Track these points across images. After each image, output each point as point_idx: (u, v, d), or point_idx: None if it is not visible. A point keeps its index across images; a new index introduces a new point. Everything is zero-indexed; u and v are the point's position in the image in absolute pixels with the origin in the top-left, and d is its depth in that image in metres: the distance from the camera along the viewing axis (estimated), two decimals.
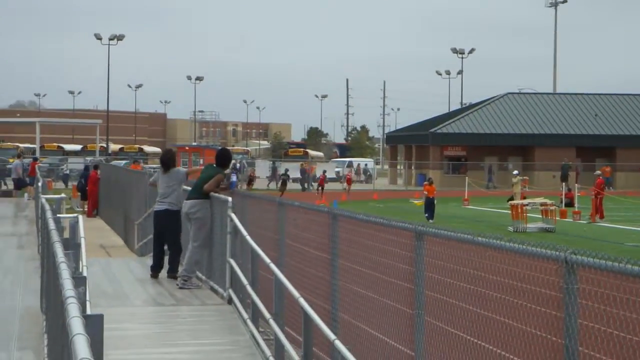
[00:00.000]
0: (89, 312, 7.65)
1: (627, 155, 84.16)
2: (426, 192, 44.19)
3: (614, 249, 29.33)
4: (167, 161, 17.13)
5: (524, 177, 58.08)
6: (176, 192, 16.81)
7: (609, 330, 6.10)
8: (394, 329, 9.02)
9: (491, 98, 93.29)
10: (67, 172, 75.55)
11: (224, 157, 16.62)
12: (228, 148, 24.19)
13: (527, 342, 7.04)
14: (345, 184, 72.99)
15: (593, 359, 6.18)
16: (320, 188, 65.48)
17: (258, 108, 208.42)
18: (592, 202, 43.68)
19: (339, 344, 8.32)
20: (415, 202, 55.26)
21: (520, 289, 7.22)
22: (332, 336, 8.59)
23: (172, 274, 16.73)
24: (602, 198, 43.73)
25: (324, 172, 72.49)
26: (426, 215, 42.78)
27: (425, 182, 46.31)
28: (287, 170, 76.75)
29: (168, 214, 16.75)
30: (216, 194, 15.78)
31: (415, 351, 8.40)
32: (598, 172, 53.12)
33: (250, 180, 69.88)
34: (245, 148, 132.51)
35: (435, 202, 44.00)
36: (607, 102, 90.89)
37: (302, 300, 9.59)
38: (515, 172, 54.40)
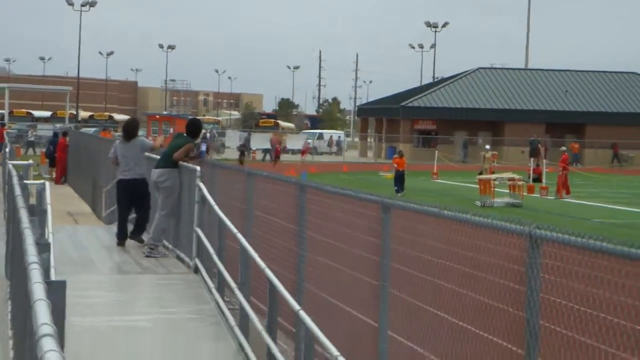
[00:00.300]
0: (53, 278, 7.62)
1: (596, 132, 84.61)
2: (396, 165, 44.26)
3: (580, 224, 29.54)
4: (131, 130, 17.11)
5: (494, 152, 58.27)
6: (141, 161, 16.80)
7: (569, 304, 6.15)
8: (358, 301, 9.06)
9: (463, 72, 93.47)
10: (32, 138, 74.99)
11: (194, 127, 16.60)
12: (199, 118, 24.22)
13: (490, 315, 7.09)
14: (300, 155, 72.32)
15: (553, 332, 6.23)
16: (275, 158, 66.69)
17: (230, 78, 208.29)
18: (558, 178, 43.94)
19: (303, 314, 8.35)
20: (386, 174, 55.38)
21: (484, 262, 7.27)
22: (296, 306, 8.62)
23: (135, 236, 16.79)
24: (567, 174, 44.06)
25: (279, 142, 72.85)
26: (396, 188, 42.86)
27: (396, 155, 46.38)
28: (247, 140, 76.19)
29: (135, 183, 16.77)
30: (185, 163, 15.76)
31: (379, 322, 8.44)
32: (563, 148, 53.49)
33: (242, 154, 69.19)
34: (216, 118, 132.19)
35: (405, 175, 44.08)
36: (578, 79, 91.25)
37: (267, 271, 9.61)
38: (487, 147, 54.50)
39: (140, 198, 16.84)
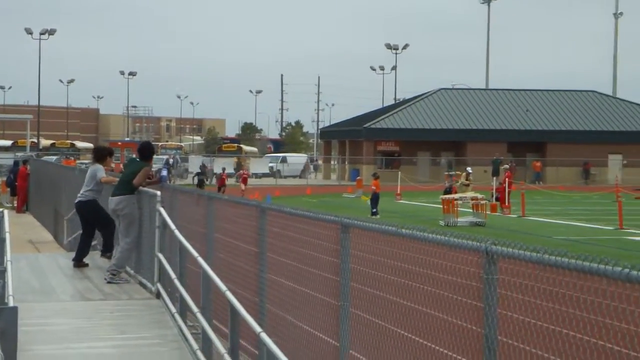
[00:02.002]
0: (11, 304, 7.58)
1: (557, 150, 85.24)
2: (374, 187, 44.07)
3: (542, 242, 29.69)
4: (96, 154, 17.62)
5: (457, 172, 58.44)
6: (89, 183, 17.20)
7: (527, 319, 6.19)
8: (320, 321, 9.06)
9: (424, 93, 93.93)
10: None
11: (146, 150, 16.63)
12: (149, 140, 24.63)
13: (449, 332, 7.12)
14: (241, 184, 63.79)
15: (511, 347, 6.26)
16: (222, 188, 57.54)
17: (192, 103, 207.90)
18: (521, 196, 44.23)
19: (264, 336, 8.34)
20: (364, 197, 55.29)
21: (443, 280, 7.30)
22: (258, 329, 8.61)
23: (106, 254, 17.20)
24: (510, 191, 45.60)
25: (224, 169, 65.65)
26: (374, 210, 42.64)
27: (371, 177, 46.51)
28: (202, 167, 75.26)
29: (81, 205, 17.33)
30: (145, 188, 15.73)
31: (340, 342, 8.45)
32: (506, 166, 54.37)
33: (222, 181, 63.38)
34: (178, 143, 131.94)
35: (379, 196, 43.97)
36: (538, 98, 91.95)
37: (228, 294, 9.60)
38: (469, 169, 53.71)
39: (93, 218, 17.09)
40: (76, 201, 17.56)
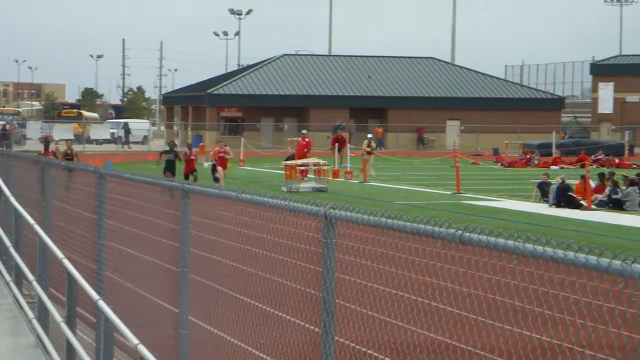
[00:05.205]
0: None
1: (399, 116, 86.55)
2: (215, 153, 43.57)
3: (382, 207, 30.16)
4: None
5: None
6: None
7: (364, 282, 6.27)
8: (159, 287, 8.99)
9: (268, 59, 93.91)
10: None
11: None
12: None
13: (289, 297, 7.15)
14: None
15: (349, 310, 6.34)
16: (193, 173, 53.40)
17: (30, 68, 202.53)
18: (362, 162, 44.79)
19: (102, 303, 8.22)
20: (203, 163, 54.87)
21: (283, 245, 7.33)
22: (95, 296, 8.48)
23: None
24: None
25: (189, 146, 59.35)
26: (216, 176, 42.25)
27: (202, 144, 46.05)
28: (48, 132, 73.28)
29: None
30: None
31: (180, 308, 8.40)
32: (370, 135, 54.83)
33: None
34: (16, 109, 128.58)
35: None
36: (380, 65, 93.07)
37: (65, 261, 9.42)
38: (369, 135, 53.49)
39: None
40: None
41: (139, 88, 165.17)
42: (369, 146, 47.37)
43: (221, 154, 38.38)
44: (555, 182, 33.15)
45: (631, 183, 32.36)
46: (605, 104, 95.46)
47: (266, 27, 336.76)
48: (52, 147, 54.24)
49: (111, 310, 8.06)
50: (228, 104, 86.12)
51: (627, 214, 30.02)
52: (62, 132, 77.64)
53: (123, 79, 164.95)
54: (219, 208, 8.34)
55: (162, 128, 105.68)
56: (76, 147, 66.87)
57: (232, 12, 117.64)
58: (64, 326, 9.21)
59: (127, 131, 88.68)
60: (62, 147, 38.44)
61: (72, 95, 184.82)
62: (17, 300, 11.65)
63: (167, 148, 37.34)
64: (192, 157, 37.16)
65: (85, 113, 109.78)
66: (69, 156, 33.21)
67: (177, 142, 47.36)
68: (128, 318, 8.45)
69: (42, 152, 56.55)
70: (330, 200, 6.84)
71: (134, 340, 7.37)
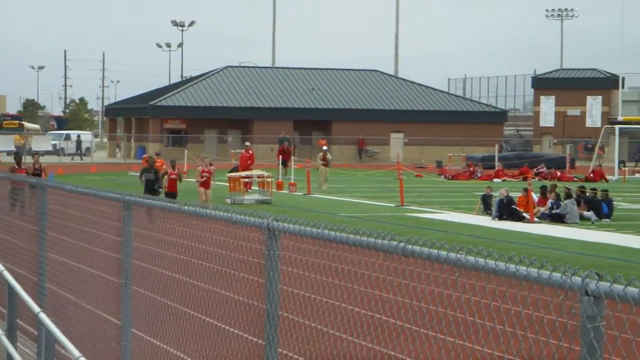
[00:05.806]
0: None
1: (342, 128, 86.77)
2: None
3: (326, 219, 30.20)
4: None
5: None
6: None
7: (307, 294, 6.28)
8: (101, 299, 8.94)
9: (211, 71, 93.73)
10: None
11: None
12: None
13: (232, 309, 7.14)
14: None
15: (292, 322, 6.34)
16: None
17: None
18: (306, 174, 44.83)
19: (43, 316, 8.15)
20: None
21: (226, 257, 7.32)
22: (36, 309, 8.40)
23: None
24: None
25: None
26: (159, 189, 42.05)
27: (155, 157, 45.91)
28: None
29: None
30: None
31: (122, 320, 8.35)
32: (325, 147, 55.10)
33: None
34: None
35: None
36: (324, 77, 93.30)
37: (5, 273, 9.33)
38: (324, 147, 53.20)
39: None
40: None
41: (81, 99, 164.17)
42: (323, 159, 47.44)
43: (205, 175, 35.22)
44: (498, 194, 33.40)
45: (567, 196, 32.69)
46: (546, 117, 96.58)
47: (209, 38, 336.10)
48: None
49: (52, 322, 7.99)
50: (171, 115, 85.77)
51: (568, 227, 30.36)
52: (3, 143, 76.85)
53: (65, 90, 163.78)
54: (162, 220, 8.31)
55: (105, 140, 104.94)
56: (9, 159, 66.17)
57: (174, 23, 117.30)
58: (4, 339, 9.11)
59: (79, 143, 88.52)
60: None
61: (13, 107, 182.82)
62: None
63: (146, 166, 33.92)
64: (173, 176, 34.40)
65: (27, 124, 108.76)
66: (37, 171, 29.68)
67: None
68: (70, 331, 8.39)
69: None
70: (274, 213, 6.85)
71: (76, 352, 7.32)
